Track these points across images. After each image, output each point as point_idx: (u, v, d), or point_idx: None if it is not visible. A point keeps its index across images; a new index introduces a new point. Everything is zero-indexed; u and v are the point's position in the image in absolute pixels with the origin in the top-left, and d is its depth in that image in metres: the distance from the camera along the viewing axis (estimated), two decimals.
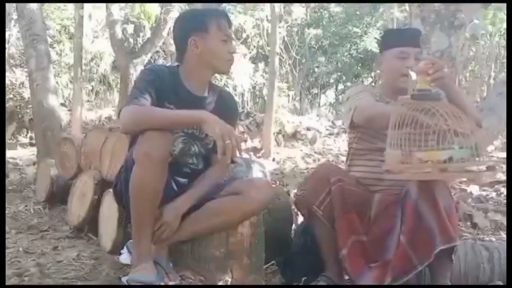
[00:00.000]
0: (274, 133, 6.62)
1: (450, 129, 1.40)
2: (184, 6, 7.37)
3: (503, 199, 3.51)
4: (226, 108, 1.81)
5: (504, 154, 4.60)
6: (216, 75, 1.88)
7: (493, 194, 3.71)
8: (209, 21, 1.69)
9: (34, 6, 4.04)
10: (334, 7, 10.77)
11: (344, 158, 2.10)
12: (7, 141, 6.43)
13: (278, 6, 6.64)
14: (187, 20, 1.75)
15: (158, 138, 1.51)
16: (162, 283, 1.56)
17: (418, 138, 1.44)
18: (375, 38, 10.09)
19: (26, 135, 7.22)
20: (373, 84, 9.55)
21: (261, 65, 9.81)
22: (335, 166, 1.87)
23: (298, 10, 9.80)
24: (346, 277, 1.83)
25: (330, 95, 11.56)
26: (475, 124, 1.63)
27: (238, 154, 1.52)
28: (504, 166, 4.54)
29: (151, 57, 7.03)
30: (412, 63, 1.75)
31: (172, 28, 1.87)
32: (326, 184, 1.72)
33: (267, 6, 7.86)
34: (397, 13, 7.02)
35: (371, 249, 1.70)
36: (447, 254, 1.62)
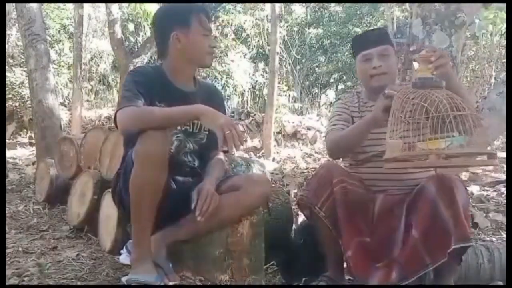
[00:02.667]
0: (274, 133, 6.62)
1: (449, 115, 1.38)
2: None
3: (503, 199, 3.50)
4: (213, 100, 1.81)
5: (504, 154, 4.59)
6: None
7: (494, 194, 3.72)
8: (190, 16, 1.73)
9: (33, 5, 4.03)
10: (334, 7, 10.76)
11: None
12: (7, 140, 6.42)
13: (278, 6, 6.63)
14: (169, 15, 1.78)
15: (157, 138, 1.51)
16: (162, 284, 1.55)
17: (418, 127, 1.41)
18: None
19: (26, 134, 7.21)
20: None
21: (261, 65, 9.79)
22: (338, 166, 1.85)
23: (299, 9, 9.79)
24: (347, 278, 1.83)
25: (330, 95, 11.51)
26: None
27: (240, 143, 1.52)
28: (505, 166, 4.54)
29: (150, 57, 7.01)
30: (377, 62, 1.80)
31: (152, 24, 1.88)
32: (329, 185, 1.71)
33: (267, 5, 7.86)
34: (398, 13, 7.00)
35: (375, 249, 1.68)
36: (457, 255, 1.60)
